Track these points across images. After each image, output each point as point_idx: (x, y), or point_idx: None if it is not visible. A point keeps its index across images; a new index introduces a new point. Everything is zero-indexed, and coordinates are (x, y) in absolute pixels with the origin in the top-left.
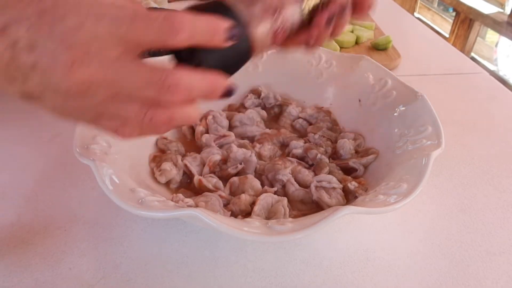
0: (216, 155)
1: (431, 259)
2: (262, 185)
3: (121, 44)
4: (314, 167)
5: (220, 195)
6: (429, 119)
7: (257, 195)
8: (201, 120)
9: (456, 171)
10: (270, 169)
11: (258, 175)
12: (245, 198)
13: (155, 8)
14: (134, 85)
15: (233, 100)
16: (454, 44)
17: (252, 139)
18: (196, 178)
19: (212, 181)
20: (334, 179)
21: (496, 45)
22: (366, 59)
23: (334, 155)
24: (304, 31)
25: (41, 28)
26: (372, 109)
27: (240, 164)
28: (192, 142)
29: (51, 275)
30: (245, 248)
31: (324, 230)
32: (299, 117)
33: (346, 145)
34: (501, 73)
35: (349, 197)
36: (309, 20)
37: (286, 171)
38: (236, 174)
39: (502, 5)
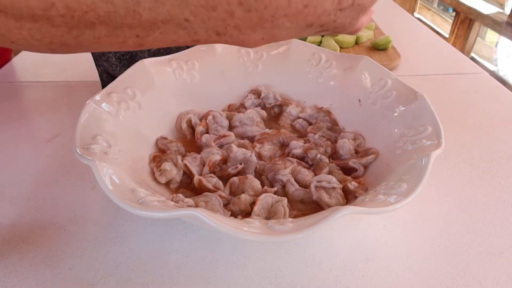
0: (216, 155)
1: (431, 259)
2: (262, 185)
3: None
4: (314, 167)
5: (220, 195)
6: (429, 119)
7: (257, 195)
8: (201, 120)
9: (456, 171)
10: (270, 169)
11: (258, 175)
12: (245, 198)
13: None
14: None
15: (233, 100)
16: (454, 44)
17: (252, 139)
18: (196, 178)
19: (212, 181)
20: (334, 179)
21: (496, 45)
22: (366, 59)
23: (334, 155)
24: None
25: None
26: (372, 109)
27: (240, 164)
28: (192, 142)
29: (51, 275)
30: (245, 248)
31: (324, 230)
32: (299, 117)
33: (346, 145)
34: (501, 73)
35: (349, 197)
36: None
37: (286, 171)
38: (236, 174)
39: (502, 5)
